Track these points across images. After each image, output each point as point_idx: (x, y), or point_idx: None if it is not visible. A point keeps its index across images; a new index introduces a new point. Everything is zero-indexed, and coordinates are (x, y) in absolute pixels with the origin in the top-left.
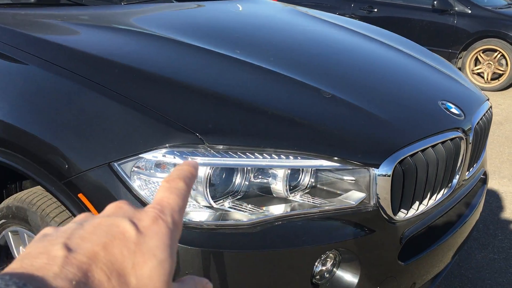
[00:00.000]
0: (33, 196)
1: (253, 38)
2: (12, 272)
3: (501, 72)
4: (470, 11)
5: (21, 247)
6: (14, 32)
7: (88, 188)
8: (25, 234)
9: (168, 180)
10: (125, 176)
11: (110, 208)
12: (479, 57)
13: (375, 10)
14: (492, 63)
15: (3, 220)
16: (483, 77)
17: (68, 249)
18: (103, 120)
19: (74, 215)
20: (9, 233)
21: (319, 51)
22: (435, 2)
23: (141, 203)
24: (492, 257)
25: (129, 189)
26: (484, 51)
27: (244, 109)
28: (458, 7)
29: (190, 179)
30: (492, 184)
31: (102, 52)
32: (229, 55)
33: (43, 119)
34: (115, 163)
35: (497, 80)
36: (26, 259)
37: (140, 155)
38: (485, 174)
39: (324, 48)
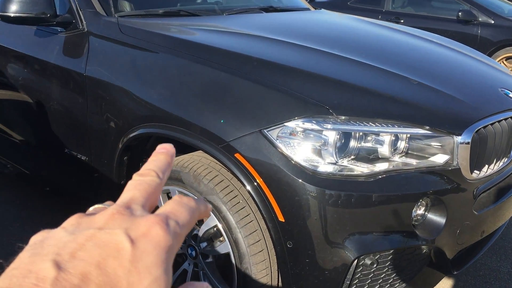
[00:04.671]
0: (183, 162)
1: (346, 40)
2: None
3: None
4: (493, 21)
5: None
6: (165, 36)
7: (243, 149)
8: (176, 191)
9: (181, 196)
10: (273, 139)
11: (105, 216)
12: (502, 63)
13: (402, 21)
14: None
15: None
16: None
17: (59, 267)
18: (252, 99)
19: (231, 171)
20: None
21: (400, 50)
22: (460, 13)
23: (287, 159)
24: None
25: (276, 149)
26: (507, 58)
27: (358, 90)
28: (482, 18)
29: (201, 207)
30: None
31: (238, 49)
32: (332, 52)
33: (205, 101)
34: (264, 130)
35: None
36: (15, 278)
37: (285, 124)
38: None
39: (403, 49)
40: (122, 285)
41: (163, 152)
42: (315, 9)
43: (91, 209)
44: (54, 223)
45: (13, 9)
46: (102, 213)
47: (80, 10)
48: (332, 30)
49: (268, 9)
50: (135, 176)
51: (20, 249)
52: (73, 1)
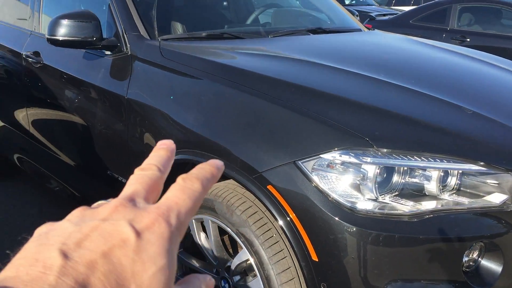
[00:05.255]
0: (217, 190)
1: (395, 64)
2: (5, 286)
3: None
4: None
5: (201, 233)
6: (203, 60)
7: (276, 181)
8: (209, 221)
9: (184, 178)
10: (308, 172)
11: (108, 208)
12: None
13: (468, 40)
14: None
15: None
16: None
17: (65, 256)
18: (287, 128)
19: (263, 203)
20: (193, 220)
21: (455, 76)
22: None
23: (322, 194)
24: None
25: (311, 182)
26: None
27: (401, 120)
28: None
29: (209, 181)
30: None
31: (276, 74)
32: (377, 78)
33: (238, 129)
34: (299, 161)
35: None
36: (21, 267)
37: (320, 155)
38: None
39: (459, 74)
40: (127, 274)
41: (163, 147)
42: (369, 29)
43: (95, 204)
44: None
45: (62, 32)
46: (106, 206)
47: (125, 33)
48: (382, 53)
49: (316, 31)
50: (136, 171)
51: (25, 240)
52: (119, 24)
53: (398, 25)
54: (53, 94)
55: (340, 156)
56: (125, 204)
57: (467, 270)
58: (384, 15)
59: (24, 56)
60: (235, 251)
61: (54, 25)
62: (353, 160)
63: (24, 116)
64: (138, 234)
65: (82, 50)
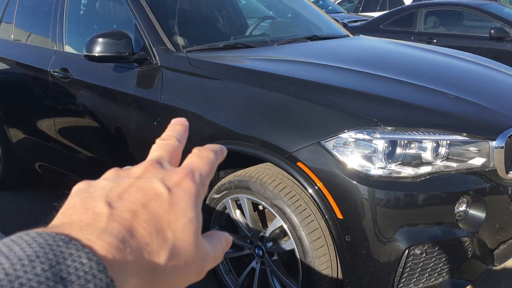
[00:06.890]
0: (249, 173)
1: (388, 62)
2: (65, 233)
3: None
4: None
5: (237, 210)
6: (229, 66)
7: (304, 158)
8: (245, 198)
9: (199, 149)
10: (330, 149)
11: (140, 169)
12: None
13: (434, 41)
14: None
15: (225, 191)
16: None
17: (110, 205)
18: (310, 116)
19: (294, 177)
20: (229, 200)
21: (436, 69)
22: (492, 31)
23: (343, 165)
24: None
25: (333, 157)
26: None
27: (401, 104)
28: None
29: (218, 155)
30: None
31: (294, 74)
32: (376, 74)
33: (267, 120)
34: (322, 141)
35: None
36: (73, 215)
37: (339, 135)
38: None
39: (439, 67)
40: (163, 223)
41: (179, 123)
42: (353, 35)
43: (125, 168)
44: None
45: (98, 49)
46: (137, 166)
47: (153, 47)
48: (373, 53)
49: (312, 38)
50: (158, 141)
51: (57, 207)
52: (146, 40)
53: (369, 30)
54: (83, 104)
55: (355, 134)
56: (154, 165)
57: (459, 218)
58: (355, 21)
59: (51, 72)
60: (264, 224)
61: (90, 44)
62: (366, 137)
63: (50, 125)
64: (169, 189)
65: (111, 64)
